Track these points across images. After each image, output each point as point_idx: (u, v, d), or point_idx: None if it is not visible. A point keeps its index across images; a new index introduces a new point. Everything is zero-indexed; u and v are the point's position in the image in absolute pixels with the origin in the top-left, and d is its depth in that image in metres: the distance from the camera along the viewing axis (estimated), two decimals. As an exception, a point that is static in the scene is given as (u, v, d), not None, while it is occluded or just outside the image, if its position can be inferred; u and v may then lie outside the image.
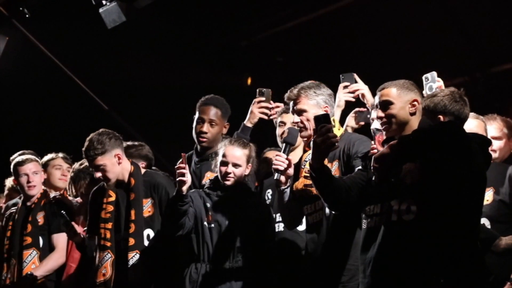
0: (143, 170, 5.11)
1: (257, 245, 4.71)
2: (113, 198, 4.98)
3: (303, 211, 4.47)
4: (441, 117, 4.16)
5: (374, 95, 4.92)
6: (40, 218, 5.79)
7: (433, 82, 4.71)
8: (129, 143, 5.43)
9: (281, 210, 4.57)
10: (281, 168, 4.24)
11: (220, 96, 5.29)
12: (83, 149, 4.94)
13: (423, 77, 4.77)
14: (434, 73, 4.76)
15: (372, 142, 4.27)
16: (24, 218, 5.83)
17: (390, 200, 3.76)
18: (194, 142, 5.39)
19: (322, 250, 4.32)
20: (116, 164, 4.95)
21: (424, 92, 4.65)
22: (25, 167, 5.87)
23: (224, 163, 4.74)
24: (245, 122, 5.34)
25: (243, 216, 4.73)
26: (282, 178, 4.29)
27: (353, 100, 5.05)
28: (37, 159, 5.99)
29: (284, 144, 4.35)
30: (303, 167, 4.41)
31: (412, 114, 3.90)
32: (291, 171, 4.29)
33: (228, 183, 4.74)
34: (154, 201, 4.99)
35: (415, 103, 3.91)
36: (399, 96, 3.90)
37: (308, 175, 4.14)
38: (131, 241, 4.85)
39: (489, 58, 8.00)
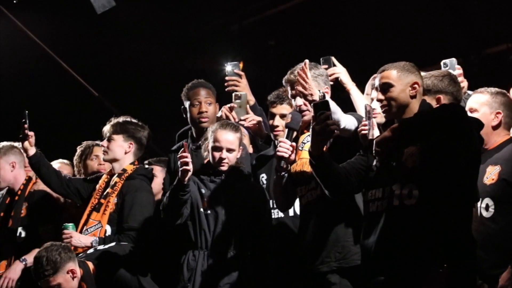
0: (91, 269, 4.88)
1: (254, 229, 4.67)
2: None
3: (297, 193, 4.45)
4: (441, 97, 4.12)
5: (367, 77, 4.91)
6: (23, 209, 5.68)
7: (452, 69, 4.62)
8: (131, 119, 5.37)
9: (276, 193, 4.52)
10: (286, 155, 4.20)
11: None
12: (32, 268, 4.79)
13: (442, 63, 4.68)
14: (454, 60, 4.66)
15: (364, 118, 4.22)
16: (6, 209, 5.72)
17: (392, 184, 3.73)
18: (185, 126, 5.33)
19: (316, 229, 4.29)
20: (71, 280, 4.73)
21: None
22: None
23: (217, 149, 4.67)
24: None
25: (239, 201, 4.69)
26: (285, 164, 4.26)
27: (331, 83, 4.99)
28: (6, 149, 5.82)
29: (287, 130, 4.29)
30: (300, 149, 4.36)
31: (413, 97, 3.84)
32: (293, 156, 4.25)
33: (223, 168, 4.69)
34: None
35: (416, 86, 3.85)
36: (400, 78, 3.83)
37: (306, 158, 4.13)
38: None
39: (483, 40, 7.94)
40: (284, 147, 4.19)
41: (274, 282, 4.70)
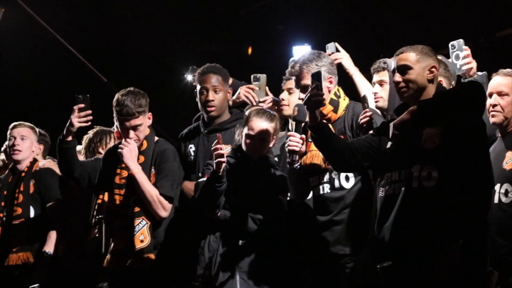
0: (156, 138, 5.00)
1: (273, 217, 4.66)
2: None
3: (310, 183, 4.47)
4: (443, 81, 4.16)
5: (370, 62, 4.91)
6: (31, 186, 5.68)
7: (459, 51, 4.62)
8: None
9: (292, 185, 4.52)
10: (297, 149, 4.23)
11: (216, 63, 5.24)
12: (117, 108, 4.78)
13: (450, 45, 4.67)
14: (461, 41, 4.64)
15: (365, 105, 4.30)
16: (14, 187, 5.70)
17: (410, 166, 3.72)
18: (192, 113, 5.33)
19: (331, 222, 4.33)
20: (147, 125, 4.91)
21: (450, 60, 4.58)
22: (14, 130, 5.75)
23: (250, 137, 4.65)
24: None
25: (261, 190, 4.67)
26: (297, 157, 4.29)
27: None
28: (33, 127, 5.84)
29: (295, 122, 4.31)
30: (310, 140, 4.36)
31: (430, 80, 3.84)
32: (303, 148, 4.29)
33: (254, 156, 4.69)
34: (155, 172, 4.89)
35: (434, 69, 3.84)
36: (418, 61, 3.83)
37: (316, 149, 4.20)
38: (136, 208, 4.77)
39: (493, 23, 7.88)
40: (294, 140, 4.22)
41: (289, 266, 4.69)
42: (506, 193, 4.24)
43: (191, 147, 5.14)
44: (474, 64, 4.68)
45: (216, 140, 4.46)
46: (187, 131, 5.27)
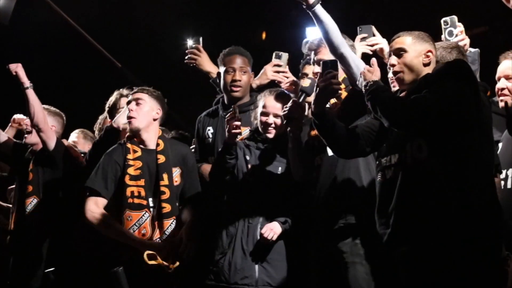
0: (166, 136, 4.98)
1: (293, 200, 4.67)
2: (139, 154, 4.77)
3: (315, 162, 4.46)
4: None
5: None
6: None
7: (453, 27, 4.62)
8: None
9: (292, 158, 4.49)
10: (296, 115, 4.25)
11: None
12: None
13: (442, 21, 4.66)
14: (455, 17, 4.65)
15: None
16: (27, 163, 5.56)
17: (405, 146, 3.71)
18: (208, 98, 5.31)
19: (336, 200, 4.32)
20: (151, 114, 4.81)
21: (442, 36, 4.56)
22: None
23: (265, 114, 4.68)
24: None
25: (284, 172, 4.68)
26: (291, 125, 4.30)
27: (370, 52, 4.96)
28: (53, 111, 5.77)
29: (300, 92, 4.34)
30: None
31: (426, 64, 3.84)
32: (302, 116, 4.32)
33: (269, 135, 4.71)
34: (182, 172, 4.88)
35: (430, 54, 3.85)
36: (414, 45, 3.84)
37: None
38: (167, 208, 4.72)
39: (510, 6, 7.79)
40: (294, 107, 4.25)
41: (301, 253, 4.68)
42: None
43: (209, 129, 5.14)
44: (467, 41, 4.67)
45: (231, 110, 4.49)
46: (205, 113, 5.28)
